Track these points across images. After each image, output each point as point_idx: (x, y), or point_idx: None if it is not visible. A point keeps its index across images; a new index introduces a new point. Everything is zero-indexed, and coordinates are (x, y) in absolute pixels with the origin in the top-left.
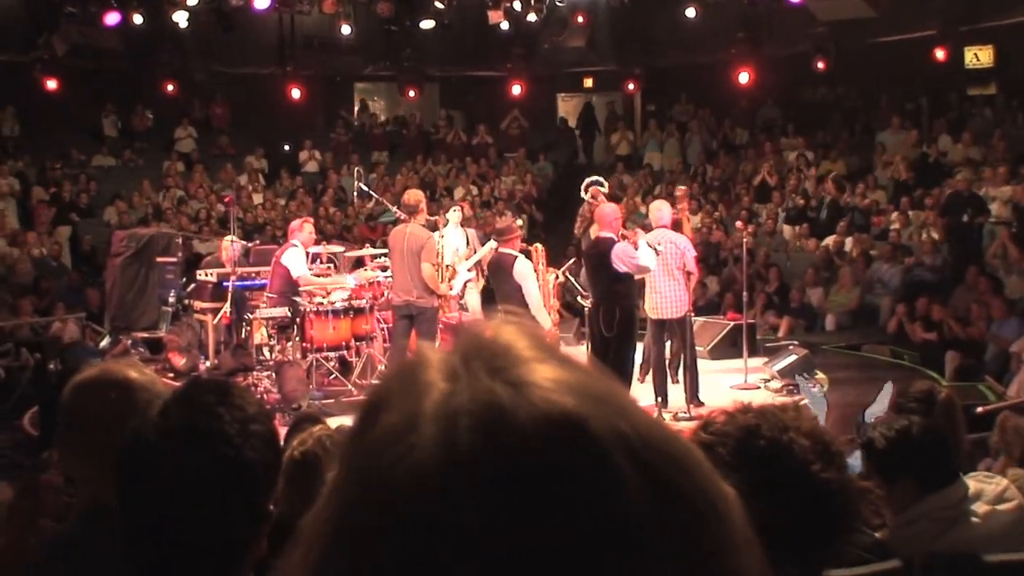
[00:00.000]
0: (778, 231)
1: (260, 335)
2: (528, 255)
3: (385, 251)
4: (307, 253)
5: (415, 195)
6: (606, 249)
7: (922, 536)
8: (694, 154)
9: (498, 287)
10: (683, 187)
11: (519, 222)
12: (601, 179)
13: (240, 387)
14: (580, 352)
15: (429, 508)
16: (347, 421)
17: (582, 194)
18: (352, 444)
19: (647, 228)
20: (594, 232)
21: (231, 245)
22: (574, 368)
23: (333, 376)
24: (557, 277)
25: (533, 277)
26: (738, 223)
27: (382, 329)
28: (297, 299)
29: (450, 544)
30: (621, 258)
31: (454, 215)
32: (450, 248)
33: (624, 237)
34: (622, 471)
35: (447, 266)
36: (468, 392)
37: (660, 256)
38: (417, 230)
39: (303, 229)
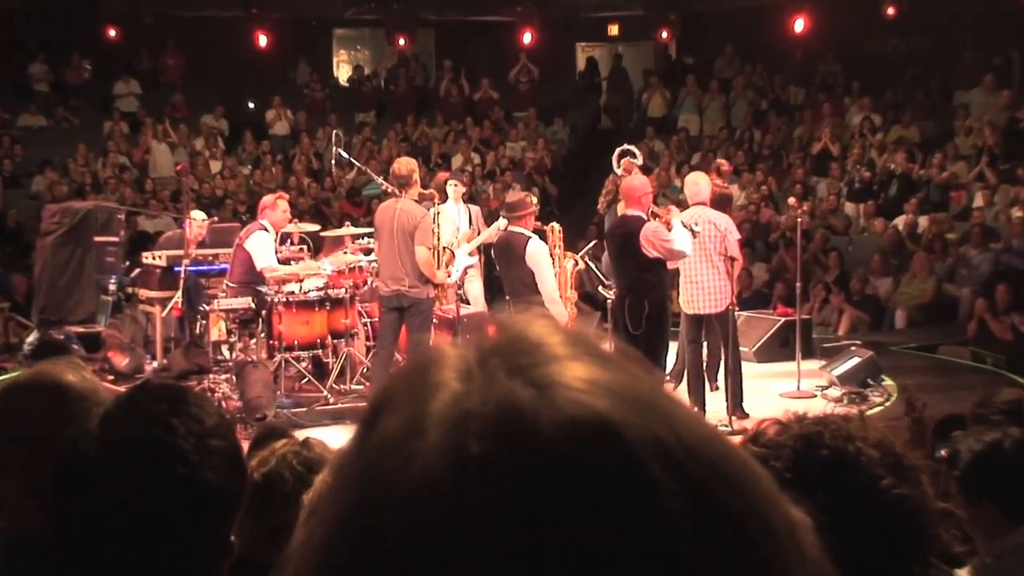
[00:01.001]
0: (839, 209)
1: (218, 330)
2: (543, 236)
3: (370, 231)
4: (277, 236)
5: (407, 164)
6: (634, 230)
7: None
8: (739, 117)
9: (506, 273)
10: (725, 160)
11: (533, 198)
12: (635, 149)
13: (196, 393)
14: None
15: (431, 527)
16: (321, 433)
17: (614, 167)
18: (349, 451)
19: (682, 205)
20: (620, 210)
21: (201, 223)
22: (615, 367)
23: (305, 380)
24: (575, 263)
25: (548, 262)
26: (791, 199)
27: (365, 324)
28: (263, 288)
29: (456, 569)
30: (652, 241)
31: (453, 189)
32: (448, 227)
33: (655, 216)
34: (659, 486)
35: (444, 248)
36: (481, 393)
37: (697, 239)
38: (410, 206)
39: (276, 207)
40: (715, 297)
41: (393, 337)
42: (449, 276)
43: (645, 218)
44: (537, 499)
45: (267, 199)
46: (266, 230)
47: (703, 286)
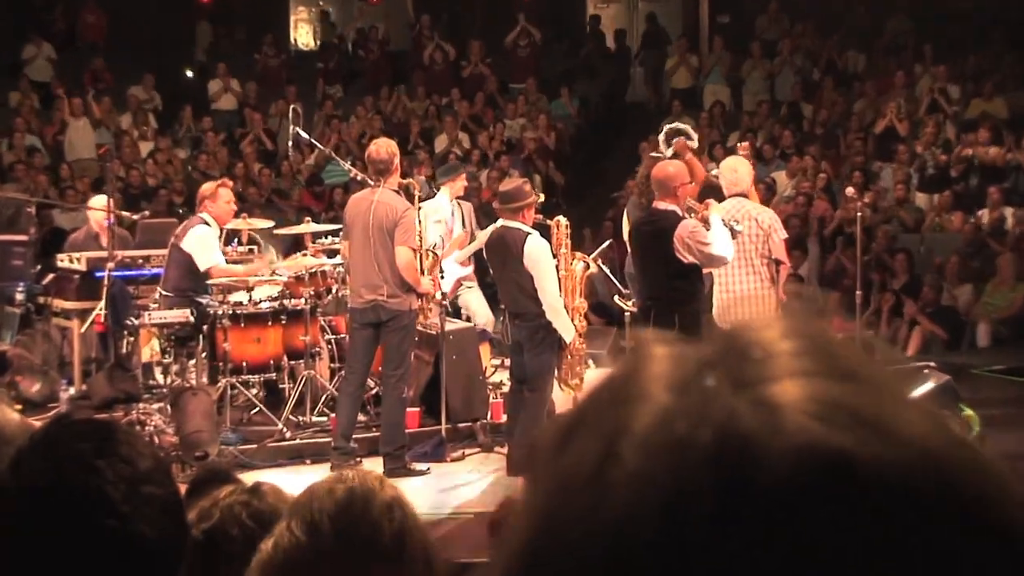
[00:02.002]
0: (908, 201)
1: (150, 349)
2: (545, 232)
3: (336, 227)
4: (222, 233)
5: (387, 147)
6: (667, 228)
7: None
8: (786, 88)
9: (501, 277)
10: (744, 144)
11: (531, 187)
12: (688, 128)
13: (125, 429)
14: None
15: None
16: (276, 476)
17: (661, 148)
18: (538, 477)
19: (717, 195)
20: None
21: (103, 214)
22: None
23: (256, 410)
24: (587, 266)
25: (550, 263)
26: (849, 189)
27: (329, 342)
28: (204, 298)
29: None
30: (689, 243)
31: (452, 184)
32: (432, 226)
33: (690, 210)
34: (905, 537)
35: (427, 251)
36: (699, 411)
37: (737, 239)
38: (390, 198)
39: (218, 197)
40: (757, 310)
41: (367, 359)
42: (437, 289)
43: (680, 214)
44: (761, 555)
45: (207, 188)
46: (207, 224)
47: (742, 295)
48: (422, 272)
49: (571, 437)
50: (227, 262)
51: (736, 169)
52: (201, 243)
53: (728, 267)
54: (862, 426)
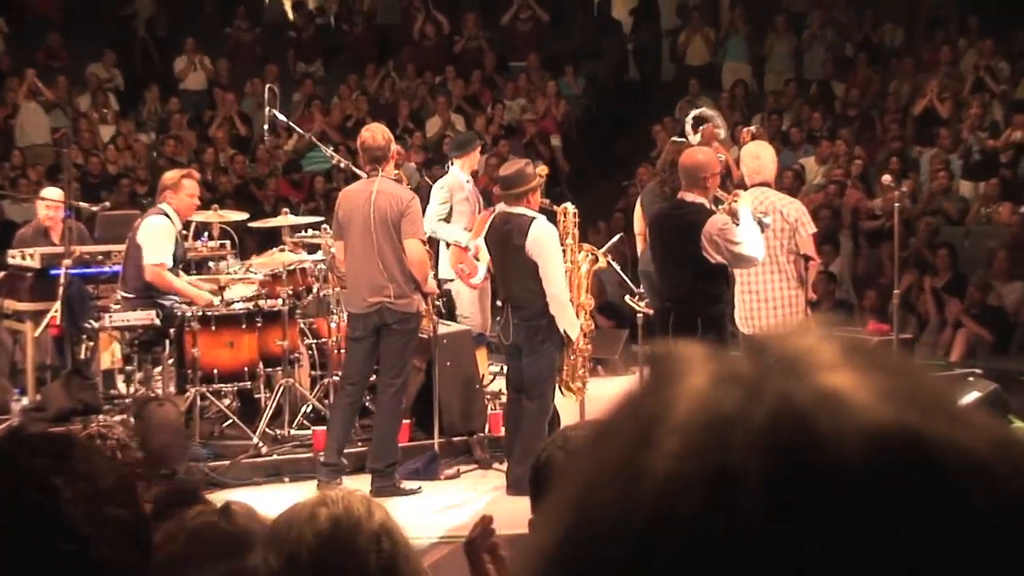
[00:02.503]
0: (951, 190)
1: (111, 355)
2: (551, 220)
3: (317, 220)
4: (189, 227)
5: (382, 132)
6: (694, 223)
7: None
8: (815, 65)
9: (501, 267)
10: (751, 128)
11: (538, 167)
12: (715, 115)
13: (85, 444)
14: (627, 385)
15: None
16: (250, 496)
17: (687, 133)
18: (572, 470)
19: (739, 184)
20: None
21: (54, 207)
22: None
23: (228, 423)
24: (595, 260)
25: (557, 250)
26: (886, 177)
27: (310, 347)
28: (169, 299)
29: None
30: (717, 240)
31: (465, 157)
32: (458, 207)
33: (717, 201)
34: (980, 507)
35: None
36: (748, 393)
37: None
38: (391, 188)
39: (180, 188)
40: (783, 311)
41: (367, 371)
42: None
43: (709, 207)
44: (827, 532)
45: (169, 176)
46: (167, 217)
47: (766, 297)
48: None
49: (606, 430)
50: (194, 261)
51: (758, 155)
52: (151, 235)
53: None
54: (931, 408)
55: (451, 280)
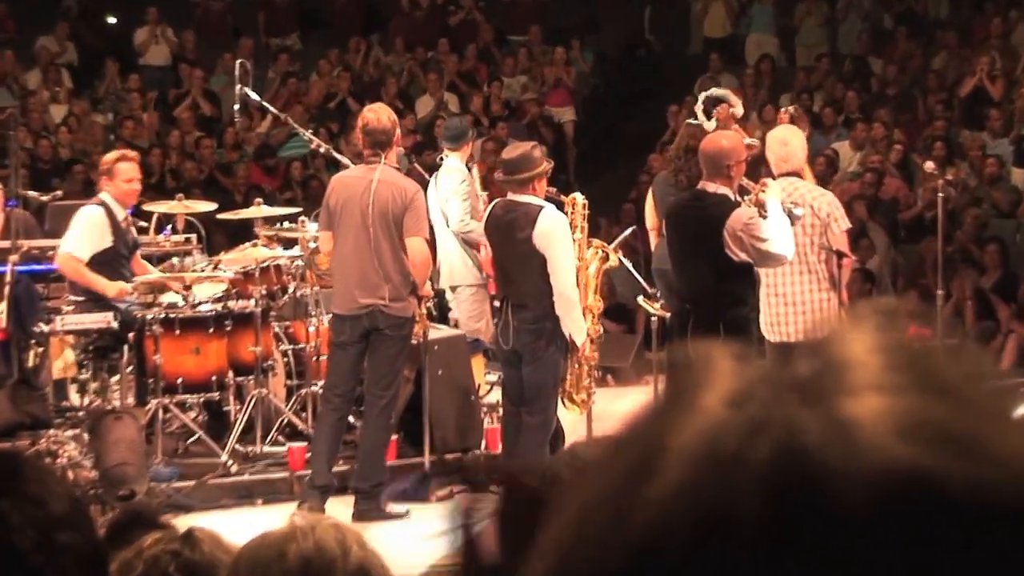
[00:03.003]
0: (1002, 179)
1: (63, 363)
2: (560, 209)
3: (294, 211)
4: (151, 220)
5: (387, 114)
6: (717, 216)
7: None
8: (850, 38)
9: (502, 259)
10: (790, 109)
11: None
12: (729, 94)
13: (35, 463)
14: (641, 398)
15: None
16: (218, 520)
17: (699, 117)
18: (575, 490)
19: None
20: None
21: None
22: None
23: (194, 438)
24: (605, 257)
25: (569, 242)
26: (928, 164)
27: (285, 353)
28: (126, 300)
29: None
30: (742, 236)
31: (460, 152)
32: (460, 203)
33: (743, 191)
34: (1003, 557)
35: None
36: (756, 424)
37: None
38: (394, 178)
39: (116, 173)
40: (812, 315)
41: (355, 380)
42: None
43: (734, 199)
44: None
45: (105, 160)
46: (102, 207)
47: (794, 300)
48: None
49: (610, 453)
50: (156, 257)
51: (787, 142)
52: (73, 224)
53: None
54: (954, 445)
55: (473, 285)
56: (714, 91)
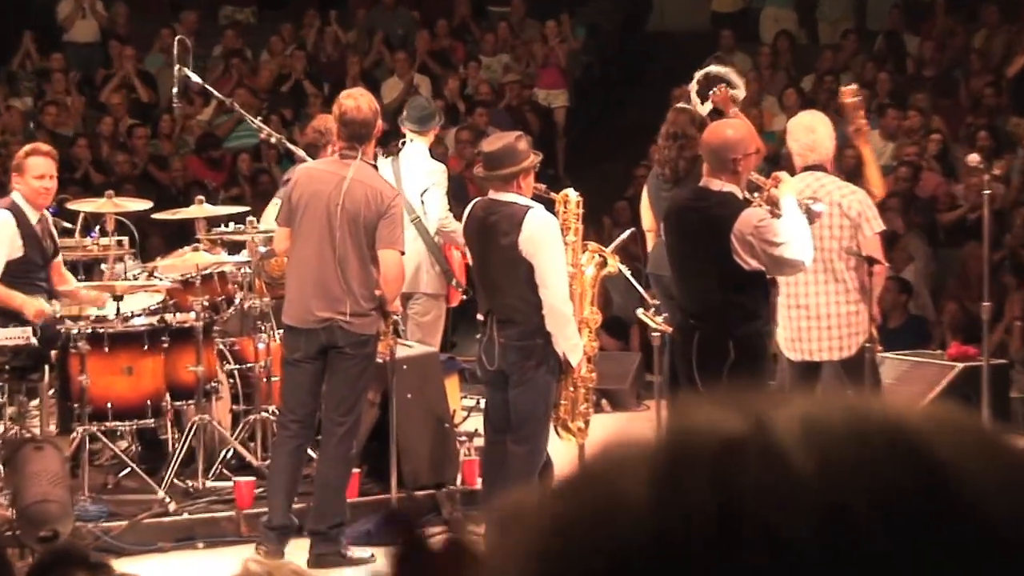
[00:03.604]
0: None
1: None
2: (549, 209)
3: (241, 210)
4: (36, 221)
5: (368, 102)
6: (723, 217)
7: None
8: (881, 12)
9: (483, 267)
10: (851, 88)
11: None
12: (730, 73)
13: None
14: (640, 423)
15: None
16: (152, 566)
17: (693, 99)
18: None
19: (786, 168)
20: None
21: None
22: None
23: (126, 472)
24: (603, 262)
25: (560, 248)
26: (972, 156)
27: (231, 374)
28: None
29: None
30: (752, 241)
31: (426, 135)
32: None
33: (754, 189)
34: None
35: None
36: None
37: (814, 228)
38: (370, 178)
39: (25, 169)
40: (839, 331)
41: (314, 403)
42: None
43: (742, 198)
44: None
45: (18, 155)
46: (9, 211)
47: (818, 313)
48: None
49: (572, 484)
50: (81, 264)
51: (813, 128)
52: None
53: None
54: (927, 417)
55: (434, 295)
56: (713, 68)
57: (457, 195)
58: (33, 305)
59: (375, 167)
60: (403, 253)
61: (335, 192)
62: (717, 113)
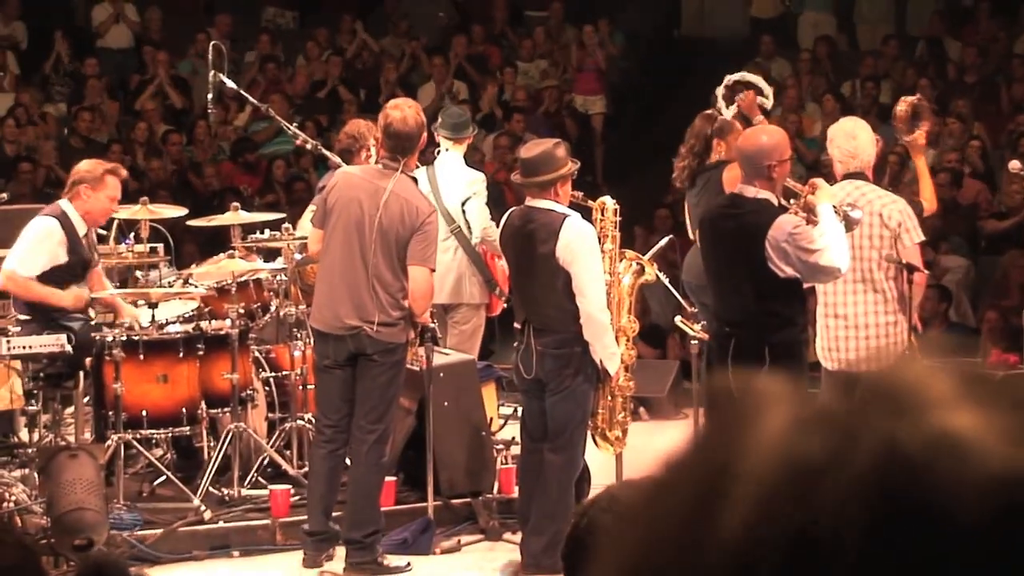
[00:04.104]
0: None
1: (10, 392)
2: (586, 217)
3: (276, 217)
4: (84, 234)
5: (415, 113)
6: (757, 225)
7: None
8: (922, 17)
9: (520, 276)
10: (911, 99)
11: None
12: (760, 80)
13: None
14: (678, 432)
15: None
16: (189, 574)
17: (720, 106)
18: (626, 530)
19: (825, 175)
20: (728, 181)
21: None
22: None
23: (162, 480)
24: (640, 271)
25: (597, 257)
26: (1014, 163)
27: (266, 382)
28: (77, 320)
29: None
30: (787, 249)
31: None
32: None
33: (789, 195)
34: None
35: None
36: (842, 438)
37: (852, 237)
38: (409, 192)
39: (103, 185)
40: (878, 341)
41: (348, 407)
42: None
43: (776, 204)
44: None
45: (87, 168)
46: (58, 220)
47: (856, 323)
48: None
49: (662, 488)
50: (116, 272)
51: (854, 135)
52: (23, 236)
53: (838, 280)
54: None
55: (476, 305)
56: (746, 75)
57: (495, 202)
58: (69, 294)
59: (415, 180)
60: (433, 271)
61: (372, 202)
62: (742, 118)
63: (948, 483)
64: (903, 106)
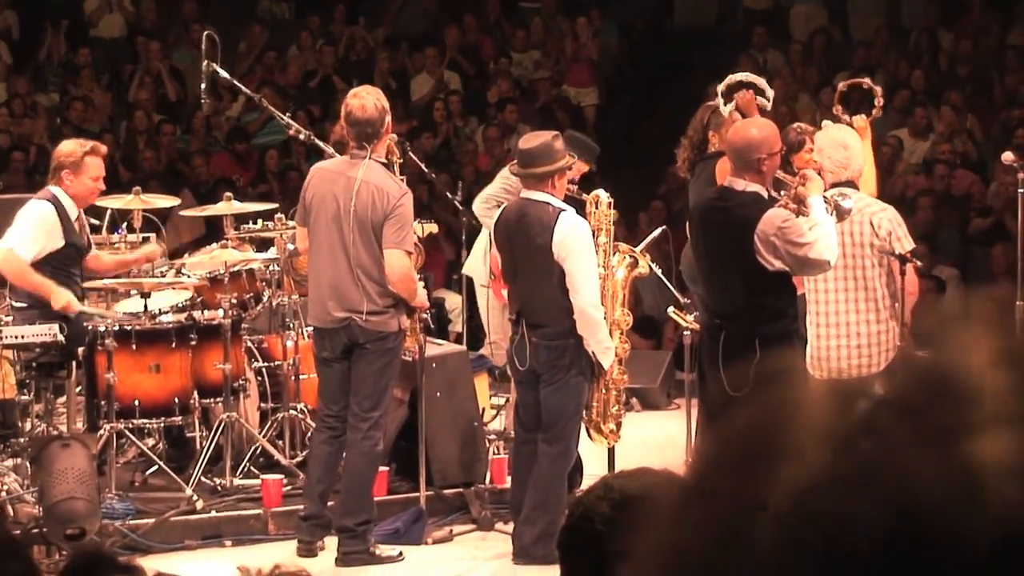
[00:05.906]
0: None
1: (2, 382)
2: (580, 211)
3: (269, 207)
4: (76, 217)
5: (375, 99)
6: (747, 218)
7: None
8: (915, 9)
9: (515, 270)
10: (857, 81)
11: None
12: (761, 81)
13: None
14: (673, 428)
15: None
16: (181, 563)
17: (719, 104)
18: (648, 546)
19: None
20: (720, 173)
21: None
22: None
23: (153, 470)
24: (634, 263)
25: (591, 253)
26: (1007, 155)
27: (259, 371)
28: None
29: None
30: (775, 242)
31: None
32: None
33: (779, 186)
34: None
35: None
36: (865, 473)
37: (843, 236)
38: (379, 178)
39: (83, 168)
40: (869, 349)
41: (345, 398)
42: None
43: (767, 197)
44: None
45: (66, 152)
46: (52, 204)
47: (848, 331)
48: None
49: (690, 504)
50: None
51: (846, 144)
52: (18, 220)
53: (827, 288)
54: None
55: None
56: (748, 76)
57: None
58: (63, 296)
59: (386, 165)
60: (410, 253)
61: (344, 194)
62: (740, 115)
63: (957, 532)
64: (842, 87)
